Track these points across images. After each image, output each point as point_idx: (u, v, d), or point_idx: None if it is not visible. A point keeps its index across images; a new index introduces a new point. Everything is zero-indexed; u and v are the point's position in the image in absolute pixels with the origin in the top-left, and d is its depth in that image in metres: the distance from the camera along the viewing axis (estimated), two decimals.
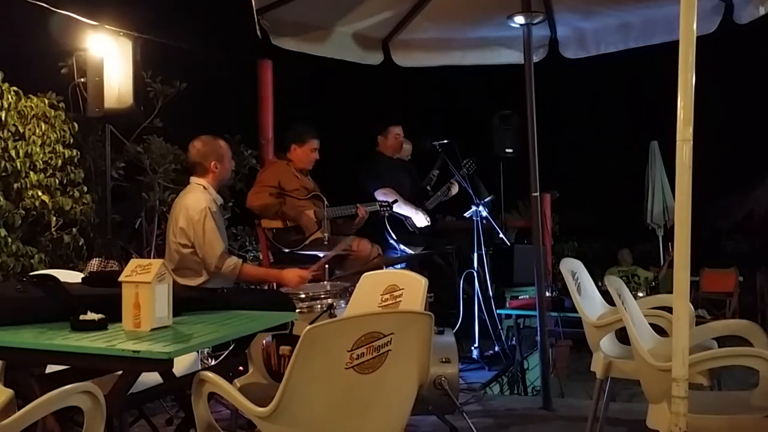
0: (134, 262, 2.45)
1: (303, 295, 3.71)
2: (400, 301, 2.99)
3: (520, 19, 4.62)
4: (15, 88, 4.46)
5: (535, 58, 4.97)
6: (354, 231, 5.23)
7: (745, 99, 10.57)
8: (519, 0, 4.56)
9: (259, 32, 4.60)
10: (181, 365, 2.99)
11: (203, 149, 4.18)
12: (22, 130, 4.47)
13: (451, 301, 5.79)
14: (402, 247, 5.67)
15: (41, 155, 4.55)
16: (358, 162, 6.23)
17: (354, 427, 2.18)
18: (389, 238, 5.66)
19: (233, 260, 4.10)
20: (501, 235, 6.45)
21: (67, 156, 4.72)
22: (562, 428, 4.19)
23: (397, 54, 5.63)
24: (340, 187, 5.74)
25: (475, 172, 6.27)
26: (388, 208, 5.47)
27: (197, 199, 4.06)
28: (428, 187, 6.28)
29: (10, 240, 4.26)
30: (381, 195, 5.79)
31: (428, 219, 5.91)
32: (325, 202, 5.05)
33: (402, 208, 5.80)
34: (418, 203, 5.99)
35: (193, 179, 4.21)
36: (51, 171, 4.64)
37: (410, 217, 5.88)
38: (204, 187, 4.14)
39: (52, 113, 4.68)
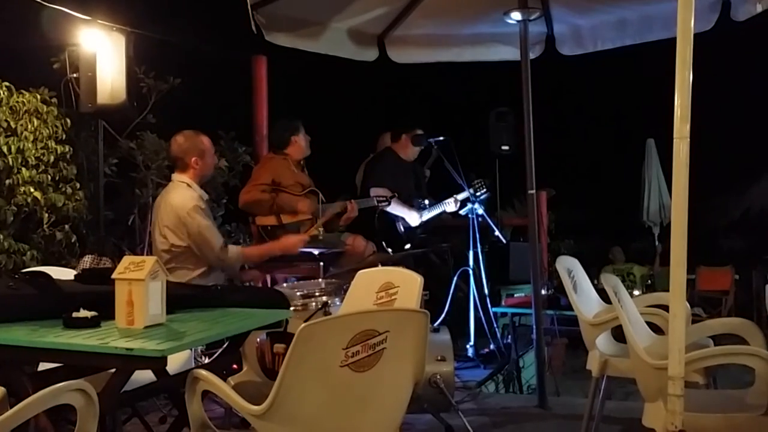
0: (127, 259, 2.44)
1: (298, 293, 3.69)
2: (396, 298, 2.99)
3: (516, 16, 4.62)
4: (7, 84, 4.44)
5: (532, 55, 4.96)
6: (342, 227, 5.23)
7: (743, 97, 10.59)
8: None
9: (253, 28, 4.58)
10: (175, 363, 2.97)
11: (184, 144, 4.14)
12: (14, 126, 4.44)
13: (446, 299, 5.78)
14: (390, 250, 5.65)
15: (33, 151, 4.53)
16: (359, 154, 6.23)
17: (349, 425, 2.17)
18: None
19: (235, 248, 4.18)
20: (497, 233, 6.44)
21: (59, 152, 4.69)
22: (557, 426, 4.19)
23: (393, 50, 5.62)
24: (335, 183, 5.73)
25: (485, 193, 6.23)
26: (386, 202, 5.46)
27: (184, 198, 4.02)
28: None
29: (2, 237, 4.24)
30: (375, 194, 5.78)
31: (421, 217, 5.91)
32: (321, 198, 5.03)
33: (395, 209, 5.80)
34: (413, 204, 5.99)
35: (175, 176, 4.17)
36: (43, 167, 4.61)
37: (404, 218, 5.88)
38: (187, 185, 4.11)
39: (45, 109, 4.65)
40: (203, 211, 4.02)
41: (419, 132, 6.12)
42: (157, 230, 4.08)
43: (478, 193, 5.95)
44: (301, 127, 5.21)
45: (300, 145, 5.18)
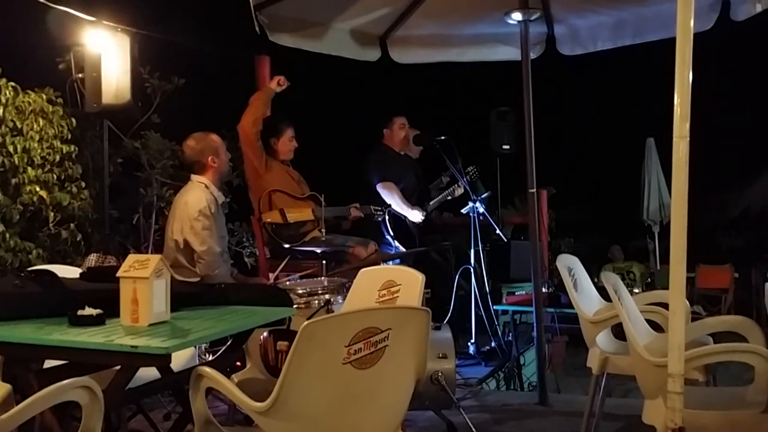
0: (132, 258, 2.45)
1: (300, 291, 3.71)
2: (398, 296, 3.00)
3: (517, 16, 4.63)
4: (13, 84, 4.45)
5: (532, 55, 4.97)
6: (348, 225, 5.27)
7: (742, 96, 10.58)
8: None
9: (257, 28, 4.60)
10: (179, 360, 2.99)
11: (198, 146, 4.19)
12: (20, 126, 4.46)
13: (448, 297, 5.80)
14: (397, 244, 5.69)
15: (39, 151, 4.55)
16: (361, 154, 6.24)
17: (351, 422, 2.18)
18: (386, 234, 5.67)
19: (227, 270, 4.16)
20: (498, 231, 6.46)
21: (65, 151, 4.71)
22: (558, 423, 4.20)
23: (395, 50, 5.63)
24: (338, 183, 5.74)
25: (478, 179, 6.31)
26: (382, 213, 5.50)
27: (198, 198, 4.06)
28: (435, 190, 6.31)
29: (8, 235, 4.26)
30: (382, 188, 5.81)
31: (423, 214, 5.93)
32: (322, 202, 5.06)
33: (400, 207, 5.81)
34: (415, 201, 6.01)
35: (194, 177, 4.21)
36: (49, 166, 4.63)
37: (407, 216, 5.91)
38: (206, 186, 4.15)
39: (50, 109, 4.67)
40: (213, 215, 4.06)
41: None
42: (169, 228, 4.12)
43: (472, 180, 6.02)
44: (286, 131, 5.18)
45: (279, 148, 5.19)
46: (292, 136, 5.23)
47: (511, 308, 6.01)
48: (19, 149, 4.40)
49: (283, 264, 4.56)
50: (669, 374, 2.13)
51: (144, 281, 2.36)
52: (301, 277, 4.51)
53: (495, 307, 5.95)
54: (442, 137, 6.02)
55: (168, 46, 5.83)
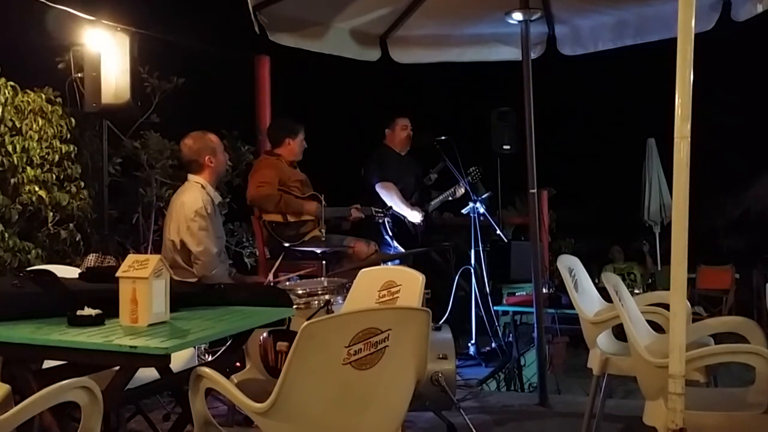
0: (131, 258, 2.45)
1: (300, 291, 3.71)
2: (398, 297, 3.00)
3: (518, 16, 4.63)
4: (12, 83, 4.45)
5: (533, 55, 4.97)
6: (348, 226, 5.27)
7: (743, 96, 10.57)
8: None
9: (256, 28, 4.59)
10: (179, 361, 2.98)
11: (195, 146, 4.19)
12: (19, 125, 4.46)
13: (449, 298, 5.80)
14: (396, 244, 5.69)
15: (38, 150, 4.54)
16: (361, 154, 6.24)
17: (351, 423, 2.18)
18: (385, 234, 5.67)
19: (225, 270, 4.16)
20: (498, 232, 6.46)
21: (64, 151, 4.70)
22: (558, 424, 4.19)
23: (395, 50, 5.63)
24: (337, 183, 5.74)
25: (480, 180, 6.33)
26: (383, 215, 5.50)
27: (194, 199, 4.05)
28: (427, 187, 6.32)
29: (7, 235, 4.25)
30: (381, 188, 5.81)
31: (422, 214, 5.93)
32: (323, 202, 5.06)
33: (400, 207, 5.82)
34: (415, 202, 6.01)
35: (191, 177, 4.20)
36: (48, 166, 4.63)
37: (406, 217, 5.91)
38: (202, 186, 4.14)
39: (49, 108, 4.67)
40: (209, 216, 4.05)
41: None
42: (167, 228, 4.12)
43: (474, 181, 6.02)
44: (300, 132, 5.20)
45: (293, 148, 5.19)
46: (304, 138, 5.23)
47: (511, 309, 6.00)
48: (18, 149, 4.40)
49: (277, 263, 4.55)
50: (670, 375, 2.12)
51: (143, 281, 2.35)
52: (300, 278, 4.51)
53: (495, 308, 5.94)
54: (443, 137, 6.03)
55: (167, 45, 5.83)
